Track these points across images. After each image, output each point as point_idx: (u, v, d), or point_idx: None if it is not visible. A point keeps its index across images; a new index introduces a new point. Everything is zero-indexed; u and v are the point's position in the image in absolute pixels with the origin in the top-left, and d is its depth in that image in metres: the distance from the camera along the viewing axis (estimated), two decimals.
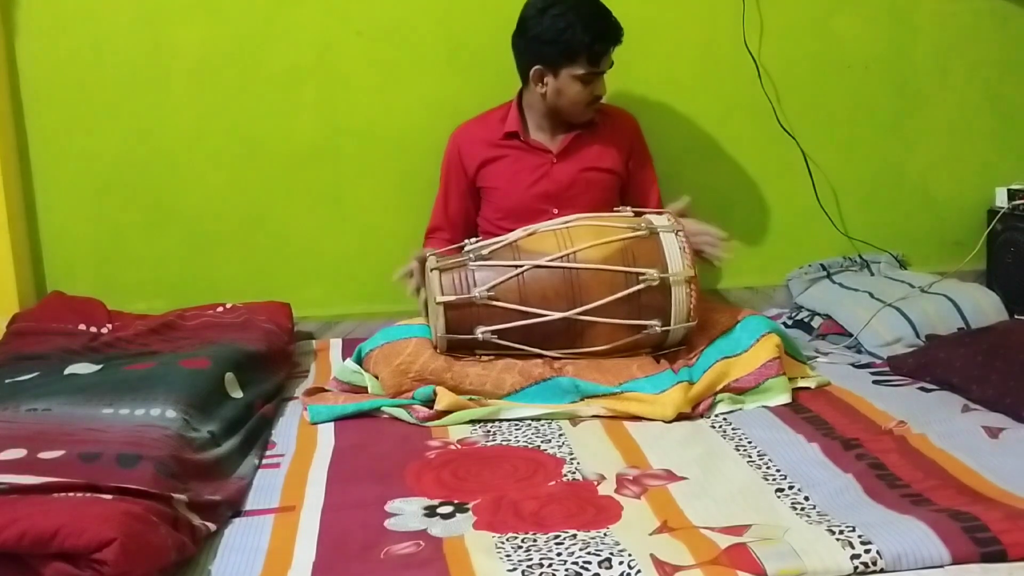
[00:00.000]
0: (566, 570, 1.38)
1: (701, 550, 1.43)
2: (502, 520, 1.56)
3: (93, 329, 2.46)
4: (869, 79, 2.87)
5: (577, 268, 2.15)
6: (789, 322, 2.71)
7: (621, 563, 1.39)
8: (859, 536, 1.42)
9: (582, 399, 2.08)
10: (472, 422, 2.03)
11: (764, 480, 1.70)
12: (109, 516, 1.35)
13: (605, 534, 1.50)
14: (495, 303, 2.13)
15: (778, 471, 1.73)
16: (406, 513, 1.61)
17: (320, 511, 1.63)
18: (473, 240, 2.27)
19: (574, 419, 2.03)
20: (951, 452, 1.74)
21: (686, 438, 1.91)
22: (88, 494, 1.44)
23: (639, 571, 1.38)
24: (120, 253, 2.71)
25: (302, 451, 1.91)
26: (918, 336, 2.40)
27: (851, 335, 2.48)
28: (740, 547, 1.42)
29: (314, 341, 2.70)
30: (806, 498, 1.61)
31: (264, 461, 1.88)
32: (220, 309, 2.55)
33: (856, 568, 1.37)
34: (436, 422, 2.03)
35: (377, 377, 2.16)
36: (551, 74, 2.40)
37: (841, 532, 1.43)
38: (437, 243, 2.54)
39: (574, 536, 1.49)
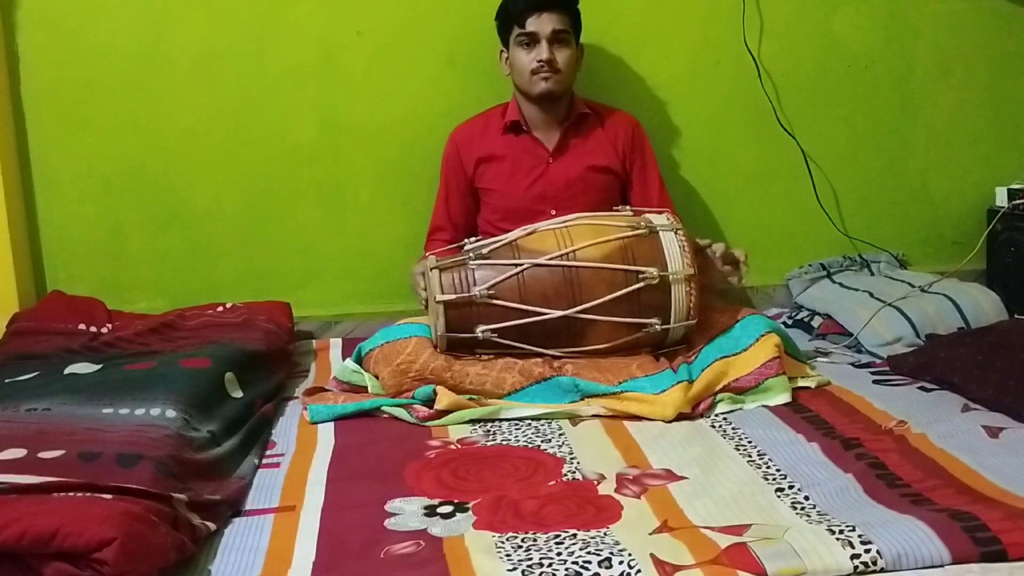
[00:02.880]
0: (566, 570, 1.38)
1: (701, 550, 1.43)
2: (502, 520, 1.56)
3: (93, 329, 2.46)
4: (869, 79, 2.87)
5: (577, 267, 2.15)
6: (789, 322, 2.71)
7: (621, 563, 1.39)
8: (859, 536, 1.41)
9: (582, 398, 2.08)
10: (472, 422, 2.03)
11: (764, 480, 1.70)
12: (109, 516, 1.35)
13: (605, 534, 1.50)
14: (495, 302, 2.13)
15: (778, 471, 1.73)
16: (406, 513, 1.61)
17: (320, 511, 1.63)
18: (473, 239, 2.28)
19: (574, 419, 2.03)
20: (951, 452, 1.74)
21: (686, 438, 1.91)
22: (88, 494, 1.44)
23: (639, 571, 1.38)
24: (120, 253, 2.71)
25: (302, 451, 1.91)
26: (918, 336, 2.40)
27: (851, 335, 2.48)
28: (740, 547, 1.42)
29: (314, 341, 2.70)
30: (806, 498, 1.61)
31: (264, 461, 1.88)
32: (220, 309, 2.55)
33: (856, 568, 1.37)
34: (436, 422, 2.03)
35: (377, 377, 2.17)
36: (506, 49, 2.50)
37: (841, 532, 1.43)
38: (439, 244, 2.54)
39: (574, 536, 1.49)
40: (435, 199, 2.62)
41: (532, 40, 2.42)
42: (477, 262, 2.17)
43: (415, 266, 2.41)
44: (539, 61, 2.42)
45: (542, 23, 2.41)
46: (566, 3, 2.46)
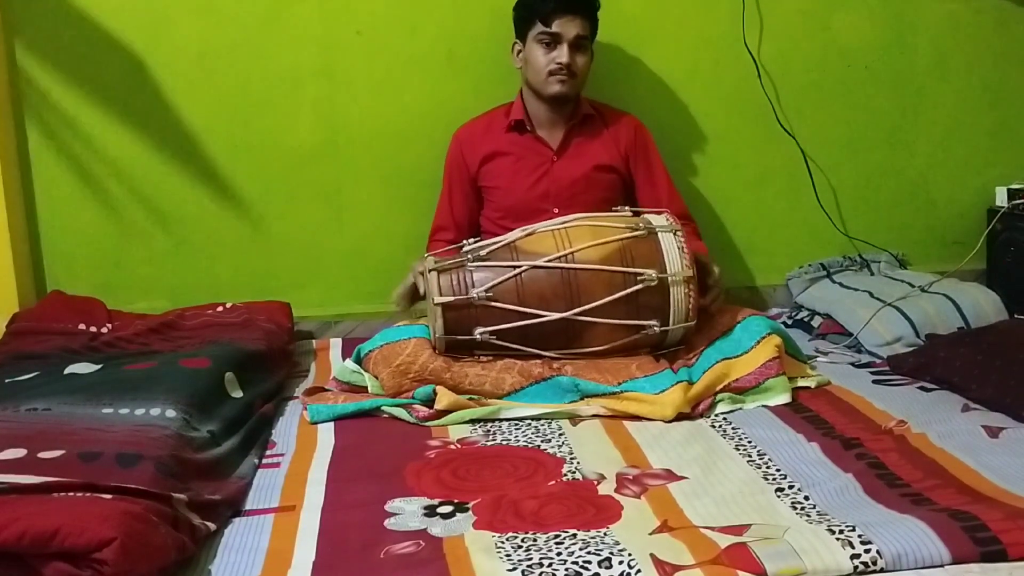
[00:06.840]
0: (566, 570, 1.38)
1: (701, 550, 1.43)
2: (502, 520, 1.56)
3: (93, 329, 2.46)
4: (869, 79, 2.87)
5: (575, 268, 2.15)
6: (789, 321, 2.71)
7: (621, 563, 1.39)
8: (859, 536, 1.42)
9: (582, 398, 2.08)
10: (472, 422, 2.03)
11: (764, 480, 1.70)
12: (109, 516, 1.35)
13: (605, 534, 1.50)
14: (493, 304, 2.13)
15: (778, 471, 1.73)
16: (406, 513, 1.61)
17: (320, 511, 1.63)
18: (471, 241, 2.27)
19: (574, 419, 2.03)
20: (951, 452, 1.74)
21: (686, 438, 1.91)
22: (88, 494, 1.44)
23: (639, 571, 1.38)
24: (120, 253, 2.71)
25: (302, 451, 1.91)
26: (918, 336, 2.40)
27: (851, 334, 2.48)
28: (740, 547, 1.42)
29: (314, 341, 2.70)
30: (806, 498, 1.61)
31: (264, 461, 1.88)
32: (220, 309, 2.55)
33: (856, 568, 1.37)
34: (436, 422, 2.03)
35: (377, 378, 2.16)
36: (522, 43, 2.49)
37: (841, 532, 1.44)
38: (442, 243, 2.54)
39: (574, 536, 1.49)
40: (438, 199, 2.62)
41: (554, 41, 2.42)
42: (475, 264, 2.17)
43: (415, 264, 2.41)
44: (558, 63, 2.42)
45: (567, 26, 2.41)
46: (592, 10, 2.47)
